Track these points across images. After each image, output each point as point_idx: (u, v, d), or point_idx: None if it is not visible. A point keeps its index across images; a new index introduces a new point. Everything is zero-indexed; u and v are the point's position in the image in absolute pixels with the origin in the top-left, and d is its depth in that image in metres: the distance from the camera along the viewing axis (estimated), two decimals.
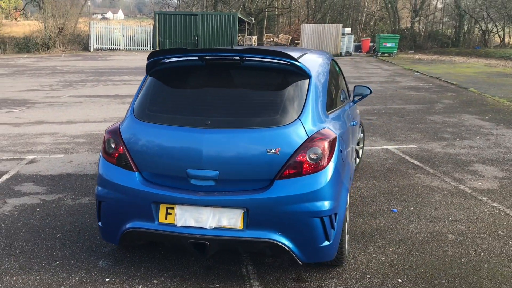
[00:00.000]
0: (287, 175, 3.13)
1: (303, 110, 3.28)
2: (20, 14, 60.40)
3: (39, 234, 4.23)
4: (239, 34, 36.47)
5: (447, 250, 3.91)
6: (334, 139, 3.30)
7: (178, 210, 3.21)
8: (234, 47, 3.65)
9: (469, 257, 3.80)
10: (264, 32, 40.14)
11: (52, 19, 39.93)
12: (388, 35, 30.41)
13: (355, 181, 5.74)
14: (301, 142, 3.17)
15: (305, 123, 3.24)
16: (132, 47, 35.58)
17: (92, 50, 34.95)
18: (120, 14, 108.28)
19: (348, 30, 31.19)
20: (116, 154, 3.40)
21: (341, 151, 3.35)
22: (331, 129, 3.38)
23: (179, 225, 3.20)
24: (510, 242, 4.08)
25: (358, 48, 32.77)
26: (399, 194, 5.28)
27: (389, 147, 7.44)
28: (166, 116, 3.38)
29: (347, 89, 5.34)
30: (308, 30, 29.85)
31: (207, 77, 3.52)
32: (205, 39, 35.90)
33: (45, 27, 40.17)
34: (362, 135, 6.37)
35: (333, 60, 4.74)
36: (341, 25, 30.13)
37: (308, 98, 3.36)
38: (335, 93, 4.12)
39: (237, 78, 3.50)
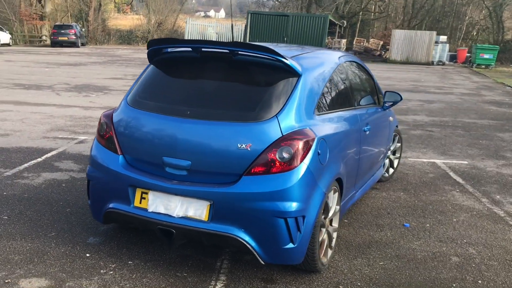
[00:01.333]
0: (255, 172, 3.09)
1: (283, 108, 3.21)
2: (130, 9, 64.66)
3: (52, 206, 4.53)
4: (328, 37, 36.11)
5: (442, 273, 3.62)
6: (312, 140, 3.19)
7: (151, 195, 3.29)
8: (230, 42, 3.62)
9: (463, 283, 3.49)
10: (356, 35, 39.41)
11: (153, 14, 42.24)
12: (486, 45, 28.50)
13: (380, 191, 5.49)
14: (273, 140, 3.10)
15: (282, 121, 3.17)
16: None
17: None
18: (222, 13, 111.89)
19: (443, 38, 29.72)
20: (107, 136, 3.55)
21: (319, 153, 3.23)
22: (313, 130, 3.27)
23: (150, 210, 3.28)
24: None
25: (453, 58, 31.11)
26: (421, 210, 4.97)
27: (437, 161, 7.00)
28: (153, 103, 3.47)
29: (377, 95, 5.12)
30: (399, 36, 28.85)
31: (198, 69, 3.56)
32: (295, 40, 35.99)
33: (147, 22, 42.62)
34: (399, 144, 6.07)
35: (352, 62, 4.57)
36: (434, 32, 28.77)
37: (292, 96, 3.28)
38: (338, 94, 3.96)
39: (226, 71, 3.50)
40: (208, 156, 3.17)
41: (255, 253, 3.12)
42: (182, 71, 3.62)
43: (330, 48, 35.25)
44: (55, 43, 32.77)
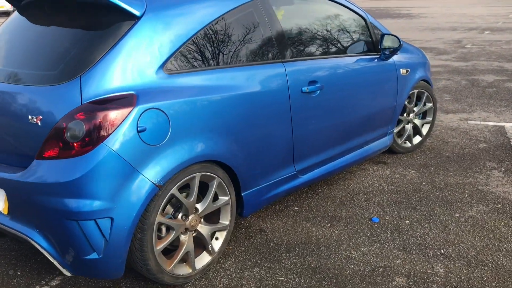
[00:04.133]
0: (46, 155, 2.27)
1: (94, 66, 2.29)
2: None
3: None
4: None
5: None
6: (126, 111, 2.23)
7: None
8: None
9: None
10: None
11: None
12: None
13: (386, 166, 4.21)
14: (68, 110, 2.24)
15: (88, 83, 2.26)
16: None
17: None
18: None
19: None
20: None
21: (140, 130, 2.26)
22: (141, 96, 2.30)
23: None
24: None
25: None
26: (420, 197, 3.62)
27: (508, 125, 5.25)
28: None
29: (372, 41, 3.80)
30: None
31: (40, 16, 2.75)
32: None
33: None
34: (431, 105, 4.58)
35: None
36: None
37: (116, 49, 2.33)
38: (237, 44, 2.81)
39: (61, 18, 2.63)
40: (4, 131, 2.44)
41: (55, 262, 2.35)
42: (29, 18, 2.82)
43: None
44: None
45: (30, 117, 2.30)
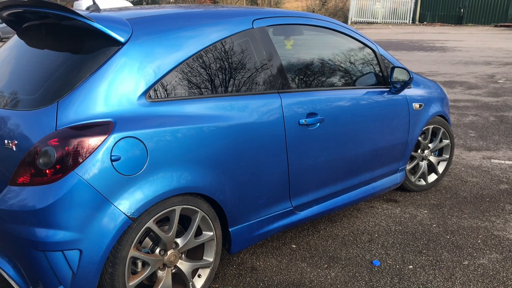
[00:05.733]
0: (20, 181, 2.20)
1: (73, 91, 2.23)
2: None
3: None
4: None
5: None
6: (100, 139, 2.15)
7: None
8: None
9: None
10: None
11: None
12: None
13: (397, 205, 3.98)
14: (42, 136, 2.17)
15: (65, 109, 2.19)
16: (390, 20, 34.08)
17: (349, 23, 34.81)
18: None
19: None
20: None
21: (114, 159, 2.17)
22: (118, 123, 2.22)
23: None
24: None
25: None
26: (428, 240, 3.38)
27: None
28: None
29: (382, 73, 3.65)
30: None
31: (32, 41, 2.74)
32: (474, 11, 31.73)
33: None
34: (447, 141, 4.35)
35: (301, 25, 3.22)
36: None
37: (97, 74, 2.26)
38: (227, 73, 2.70)
39: (50, 43, 2.61)
40: None
41: None
42: (22, 43, 2.80)
43: None
44: None
45: (6, 141, 2.25)
